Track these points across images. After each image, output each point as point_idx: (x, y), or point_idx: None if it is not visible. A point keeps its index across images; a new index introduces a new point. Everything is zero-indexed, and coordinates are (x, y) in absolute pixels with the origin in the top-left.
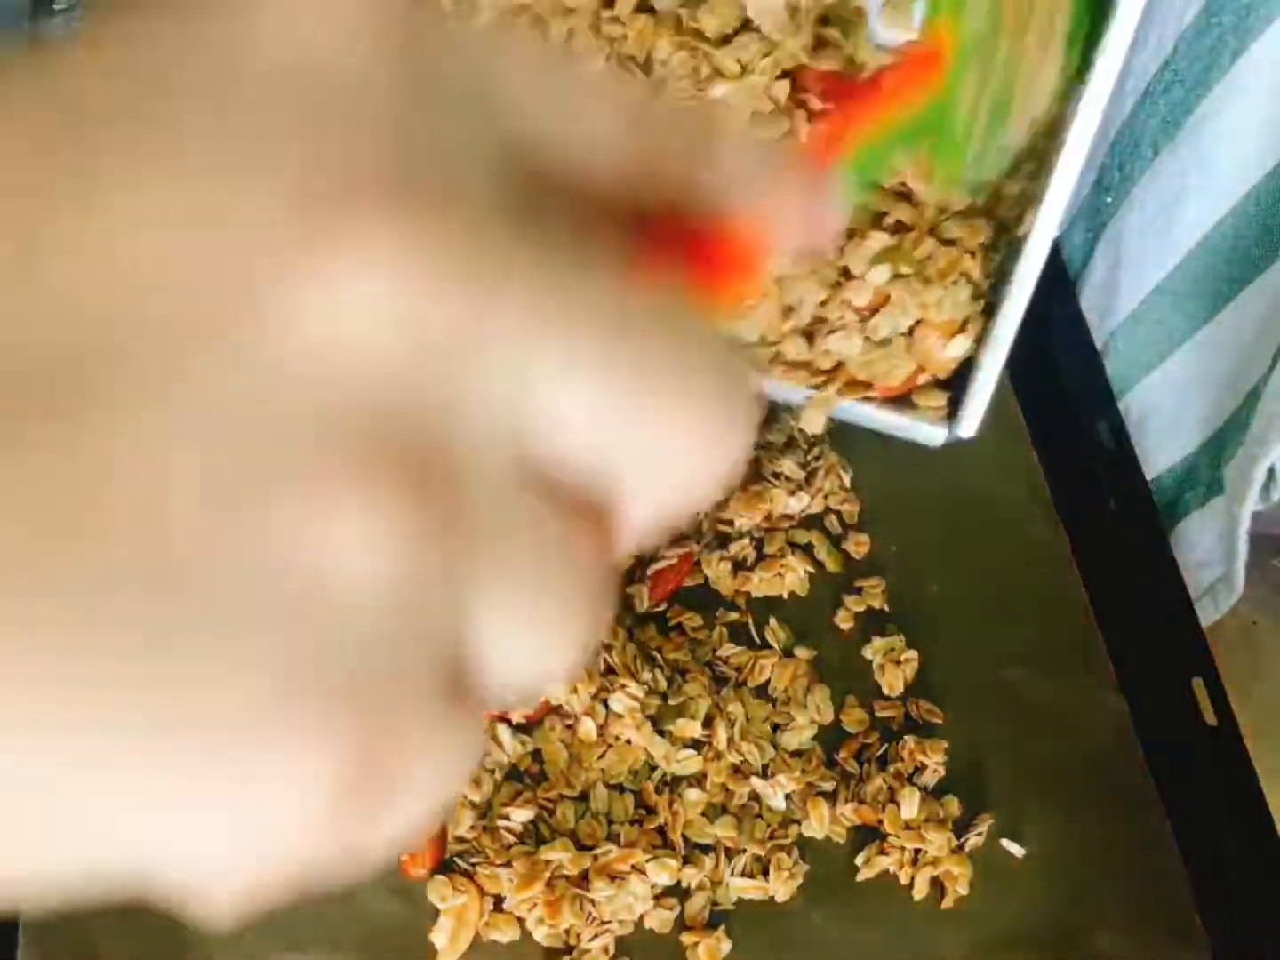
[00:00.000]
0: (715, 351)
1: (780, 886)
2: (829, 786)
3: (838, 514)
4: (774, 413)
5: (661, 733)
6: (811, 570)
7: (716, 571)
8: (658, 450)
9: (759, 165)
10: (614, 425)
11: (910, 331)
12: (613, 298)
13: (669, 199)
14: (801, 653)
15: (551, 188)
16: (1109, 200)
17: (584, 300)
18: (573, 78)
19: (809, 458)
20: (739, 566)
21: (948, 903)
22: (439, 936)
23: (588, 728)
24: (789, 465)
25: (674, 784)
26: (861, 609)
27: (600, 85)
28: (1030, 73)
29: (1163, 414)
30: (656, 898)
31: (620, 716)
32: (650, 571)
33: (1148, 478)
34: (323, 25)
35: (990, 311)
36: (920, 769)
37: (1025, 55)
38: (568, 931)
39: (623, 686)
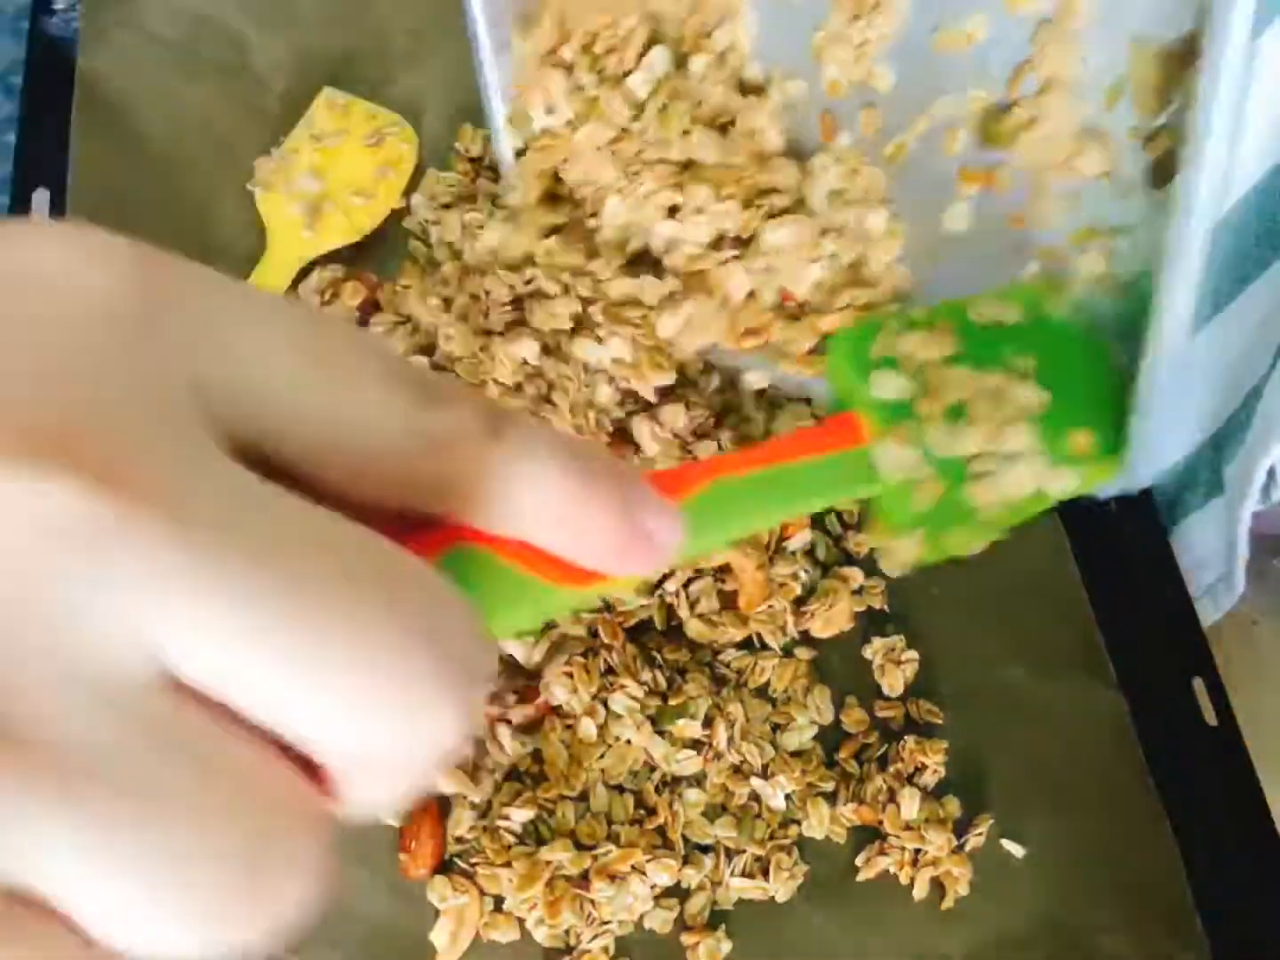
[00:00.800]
0: (453, 624)
1: (780, 886)
2: (829, 786)
3: (838, 514)
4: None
5: (661, 733)
6: (811, 571)
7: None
8: (347, 711)
9: (555, 483)
10: (287, 677)
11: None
12: (335, 556)
13: (446, 502)
14: (801, 653)
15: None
16: None
17: (291, 549)
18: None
19: None
20: None
21: (948, 903)
22: (439, 936)
23: (587, 728)
24: None
25: (674, 784)
26: (861, 609)
27: (366, 360)
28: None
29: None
30: (656, 898)
31: (620, 717)
32: None
33: None
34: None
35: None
36: (920, 769)
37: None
38: (568, 931)
39: (622, 687)
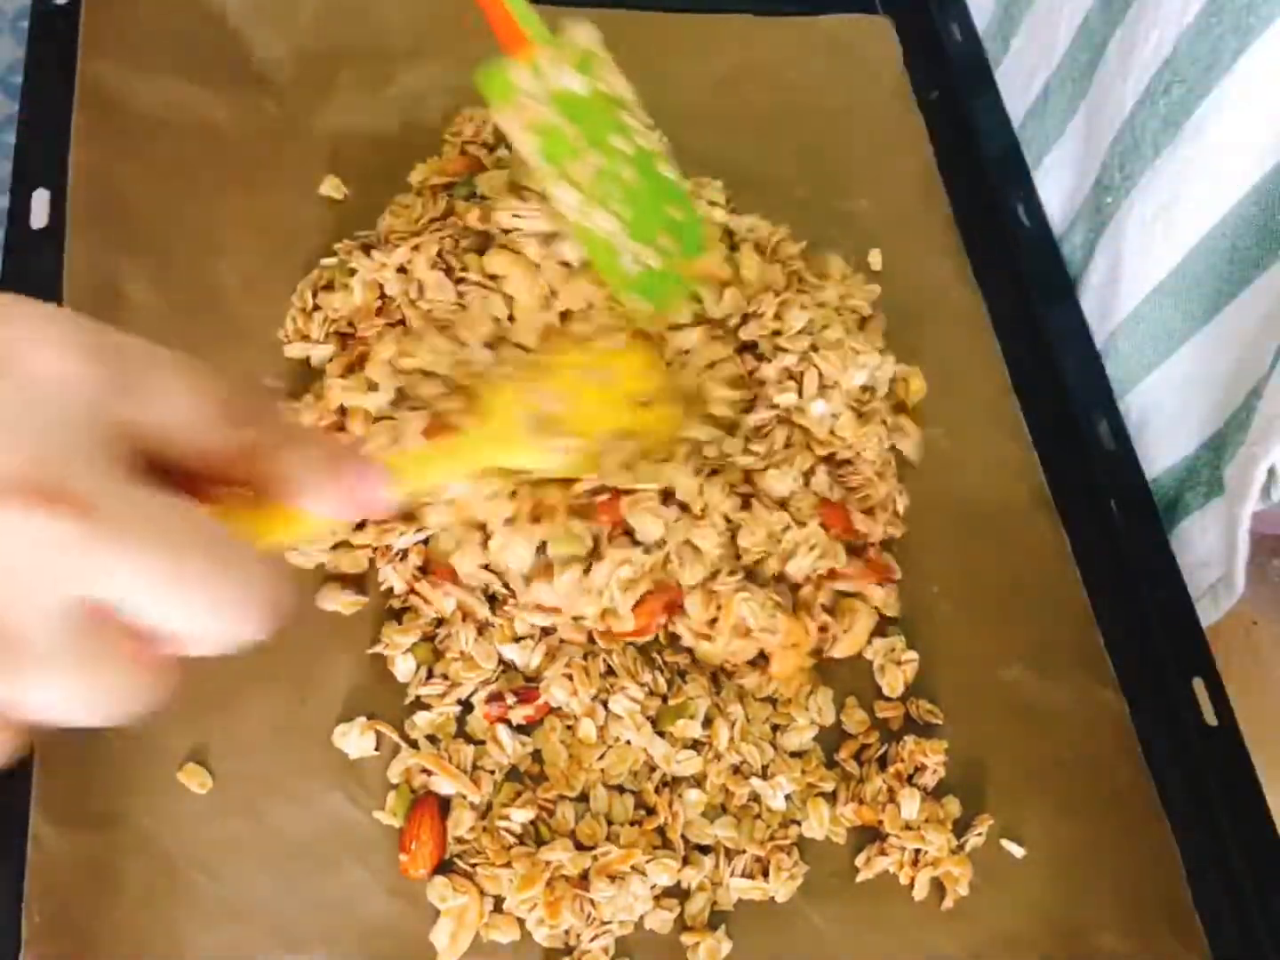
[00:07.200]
0: (246, 563)
1: (780, 887)
2: (829, 787)
3: None
4: None
5: (661, 734)
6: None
7: None
8: (200, 621)
9: (312, 459)
10: (175, 604)
11: None
12: (181, 533)
13: (252, 474)
14: None
15: (163, 459)
16: (1109, 200)
17: (157, 531)
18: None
19: None
20: None
21: (948, 903)
22: (439, 937)
23: (587, 729)
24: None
25: (674, 784)
26: None
27: (197, 382)
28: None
29: (1163, 414)
30: (656, 898)
31: (620, 718)
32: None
33: (1148, 478)
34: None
35: None
36: (920, 769)
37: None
38: (568, 932)
39: (623, 688)
